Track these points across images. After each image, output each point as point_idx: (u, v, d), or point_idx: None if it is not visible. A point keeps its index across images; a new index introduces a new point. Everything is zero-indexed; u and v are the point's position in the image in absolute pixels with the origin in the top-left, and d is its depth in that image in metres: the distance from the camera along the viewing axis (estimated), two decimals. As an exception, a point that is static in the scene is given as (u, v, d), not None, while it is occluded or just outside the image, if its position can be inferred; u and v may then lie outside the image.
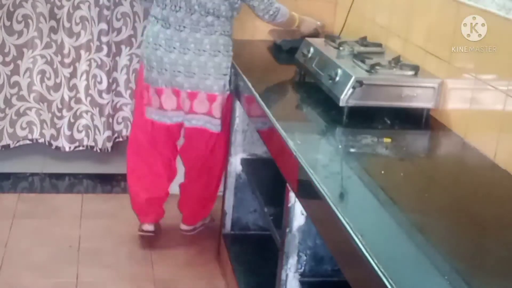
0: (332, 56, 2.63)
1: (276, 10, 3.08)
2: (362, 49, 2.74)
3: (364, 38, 2.86)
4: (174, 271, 3.16)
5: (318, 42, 2.87)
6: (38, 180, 4.01)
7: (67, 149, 4.12)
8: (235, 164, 3.11)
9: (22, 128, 4.12)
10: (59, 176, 4.06)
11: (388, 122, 2.41)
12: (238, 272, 2.90)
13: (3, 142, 4.07)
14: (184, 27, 2.99)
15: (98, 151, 4.14)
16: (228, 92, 3.06)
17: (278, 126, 2.25)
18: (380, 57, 2.63)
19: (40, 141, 4.16)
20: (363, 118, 2.39)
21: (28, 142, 4.15)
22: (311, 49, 2.77)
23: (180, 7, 2.98)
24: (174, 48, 3.01)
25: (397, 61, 2.53)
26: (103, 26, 3.93)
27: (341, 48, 2.74)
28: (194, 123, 3.13)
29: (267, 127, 2.42)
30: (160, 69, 3.05)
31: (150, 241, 3.36)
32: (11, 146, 4.10)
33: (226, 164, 3.21)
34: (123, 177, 4.08)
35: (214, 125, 3.11)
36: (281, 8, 3.11)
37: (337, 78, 2.43)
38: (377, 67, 2.46)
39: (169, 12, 3.00)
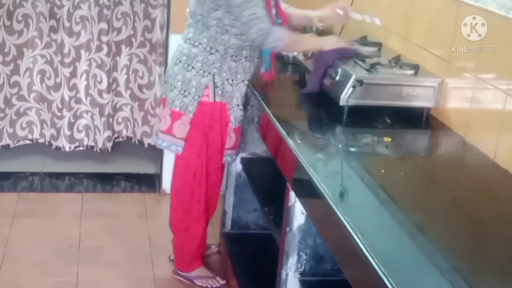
0: (332, 56, 2.63)
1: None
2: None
3: (364, 38, 2.86)
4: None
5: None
6: (38, 180, 4.00)
7: (67, 149, 4.12)
8: (235, 163, 3.11)
9: (22, 128, 4.12)
10: (59, 176, 4.06)
11: (388, 121, 2.41)
12: (238, 272, 2.90)
13: (3, 142, 4.07)
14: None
15: (98, 151, 4.14)
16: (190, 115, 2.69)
17: (278, 125, 2.25)
18: (380, 56, 2.63)
19: (40, 141, 4.16)
20: (363, 117, 2.39)
21: (28, 142, 4.15)
22: (311, 49, 2.76)
23: None
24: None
25: (397, 60, 2.53)
26: (103, 25, 3.93)
27: (341, 47, 2.73)
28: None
29: (267, 127, 2.41)
30: None
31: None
32: (11, 146, 4.10)
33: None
34: (122, 176, 4.07)
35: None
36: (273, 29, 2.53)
37: (337, 77, 2.43)
38: (377, 66, 2.46)
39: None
